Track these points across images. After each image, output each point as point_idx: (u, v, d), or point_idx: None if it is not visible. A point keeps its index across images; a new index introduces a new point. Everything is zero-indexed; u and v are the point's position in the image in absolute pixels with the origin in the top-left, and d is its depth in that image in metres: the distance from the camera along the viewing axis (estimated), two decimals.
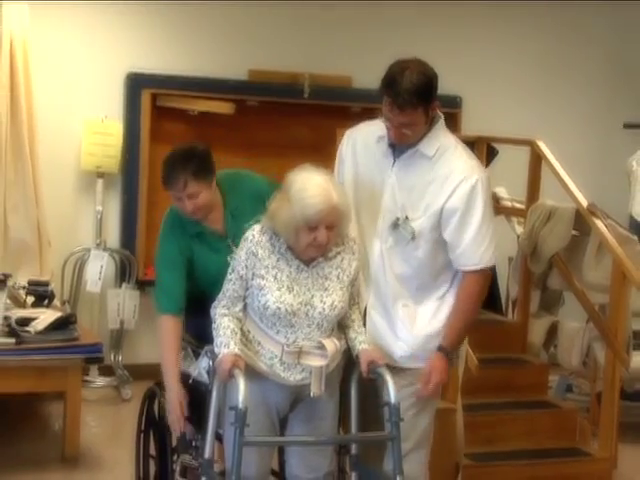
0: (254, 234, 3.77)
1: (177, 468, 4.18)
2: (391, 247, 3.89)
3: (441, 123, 3.90)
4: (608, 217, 6.15)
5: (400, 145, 3.86)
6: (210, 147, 4.24)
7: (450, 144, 3.92)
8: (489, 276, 3.99)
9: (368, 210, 3.96)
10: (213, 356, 3.83)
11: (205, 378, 3.96)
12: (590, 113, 8.15)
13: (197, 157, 4.10)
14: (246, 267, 3.75)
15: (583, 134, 8.07)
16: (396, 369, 3.89)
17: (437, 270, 3.93)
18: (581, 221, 6.24)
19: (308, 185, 3.64)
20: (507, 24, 7.91)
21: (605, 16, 8.02)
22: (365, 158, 4.00)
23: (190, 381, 4.09)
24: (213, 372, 3.87)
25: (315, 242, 3.64)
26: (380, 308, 3.94)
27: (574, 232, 6.41)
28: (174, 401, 4.06)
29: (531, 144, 6.42)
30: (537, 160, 6.42)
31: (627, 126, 7.61)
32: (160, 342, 4.17)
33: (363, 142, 4.03)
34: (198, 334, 4.16)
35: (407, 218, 3.84)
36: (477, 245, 3.85)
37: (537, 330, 6.62)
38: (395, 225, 3.87)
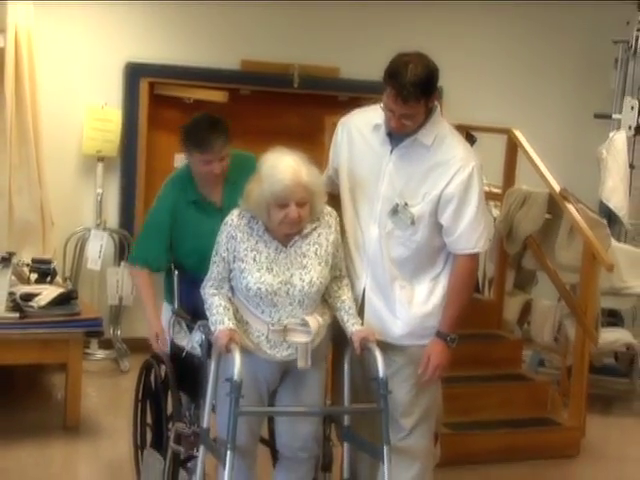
0: (233, 218, 3.75)
1: (171, 435, 4.18)
2: (390, 232, 3.83)
3: (437, 112, 3.84)
4: (579, 201, 6.16)
5: (398, 134, 3.80)
6: None
7: (446, 132, 3.87)
8: (479, 259, 3.98)
9: (365, 196, 3.89)
10: (206, 330, 3.83)
11: (198, 351, 3.95)
12: (563, 104, 8.15)
13: (224, 124, 4.20)
14: (227, 250, 3.72)
15: (557, 124, 8.06)
16: (393, 348, 3.87)
17: (433, 253, 3.88)
18: (554, 205, 6.25)
19: (277, 163, 3.62)
20: (487, 22, 7.90)
21: (577, 16, 8.00)
22: (361, 145, 3.93)
23: (183, 354, 4.09)
24: (206, 346, 3.87)
25: (286, 219, 3.61)
26: (378, 290, 3.89)
27: (547, 215, 6.42)
28: (153, 332, 4.23)
29: (508, 132, 6.42)
30: (513, 148, 6.42)
31: (597, 116, 7.61)
32: (138, 290, 4.42)
33: (358, 130, 3.96)
34: (192, 310, 4.14)
35: (406, 204, 3.79)
36: (473, 230, 3.81)
37: (512, 307, 6.64)
38: (395, 211, 3.81)
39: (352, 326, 3.78)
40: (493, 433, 5.55)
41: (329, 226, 3.79)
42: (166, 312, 4.42)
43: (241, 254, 3.69)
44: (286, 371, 3.81)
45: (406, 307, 3.86)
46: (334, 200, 3.94)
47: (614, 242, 6.56)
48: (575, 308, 5.93)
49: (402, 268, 3.87)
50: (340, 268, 3.85)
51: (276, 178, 3.57)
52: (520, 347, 6.38)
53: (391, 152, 3.84)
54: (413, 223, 3.80)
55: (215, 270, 3.77)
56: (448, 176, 3.77)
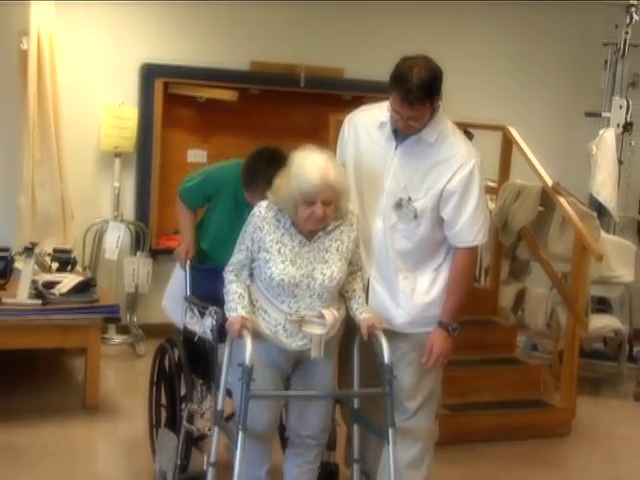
0: (261, 210, 3.70)
1: (184, 415, 4.19)
2: (394, 225, 3.81)
3: (441, 111, 3.80)
4: (570, 195, 6.15)
5: (404, 133, 3.77)
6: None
7: (449, 131, 3.83)
8: (478, 251, 3.96)
9: (371, 190, 3.86)
10: (217, 316, 3.83)
11: (209, 335, 3.94)
12: (555, 103, 8.13)
13: (276, 167, 3.81)
14: (252, 240, 3.68)
15: (549, 121, 8.04)
16: (398, 335, 3.84)
17: (435, 245, 3.86)
18: (547, 198, 6.24)
19: (307, 163, 3.56)
20: (485, 25, 7.87)
21: (569, 20, 7.98)
22: (367, 142, 3.89)
23: (195, 338, 4.09)
24: (216, 330, 3.86)
25: (312, 216, 3.56)
26: (382, 280, 3.86)
27: (540, 208, 6.41)
28: (184, 248, 4.48)
29: (503, 130, 6.41)
30: (508, 144, 6.40)
31: (588, 115, 7.58)
32: (179, 219, 4.62)
33: (364, 127, 3.92)
34: (204, 296, 4.16)
35: (410, 199, 3.76)
36: (472, 224, 3.78)
37: (507, 295, 6.63)
38: (399, 205, 3.78)
39: (360, 314, 3.76)
40: (488, 414, 5.54)
41: (351, 224, 3.74)
42: (179, 275, 4.53)
43: (267, 245, 3.65)
44: (299, 360, 3.78)
45: (408, 297, 3.84)
46: None
47: (603, 233, 6.54)
48: (566, 296, 5.92)
49: (406, 260, 3.84)
50: (357, 263, 3.82)
51: (305, 177, 3.52)
52: (514, 332, 6.37)
53: (396, 148, 3.81)
54: (416, 217, 3.77)
55: (238, 257, 3.73)
56: (450, 172, 3.74)
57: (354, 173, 3.91)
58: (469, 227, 3.79)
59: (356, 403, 3.90)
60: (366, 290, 3.89)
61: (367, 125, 3.92)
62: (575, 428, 5.80)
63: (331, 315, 3.66)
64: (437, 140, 3.77)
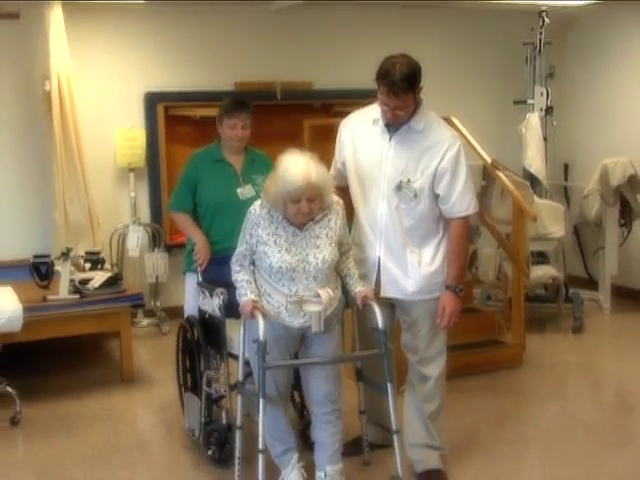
0: (256, 209, 3.63)
1: (204, 381, 4.19)
2: (397, 206, 3.73)
3: (424, 103, 3.77)
4: (507, 169, 6.16)
5: (394, 124, 3.72)
6: None
7: (433, 119, 3.78)
8: (470, 220, 3.89)
9: (371, 179, 3.77)
10: (223, 296, 3.83)
11: (217, 313, 3.93)
12: (489, 94, 8.11)
13: (248, 104, 4.52)
14: (251, 235, 3.61)
15: (485, 110, 8.02)
16: (410, 302, 3.81)
17: (434, 221, 3.79)
18: (487, 174, 6.26)
19: (291, 165, 3.48)
20: (431, 36, 7.81)
21: (495, 25, 7.95)
22: (363, 138, 3.82)
23: (207, 316, 4.09)
24: (224, 309, 3.85)
25: (300, 212, 3.50)
26: (392, 257, 3.79)
27: (483, 182, 6.42)
28: (202, 246, 4.35)
29: (447, 119, 6.35)
30: None
31: (516, 102, 7.58)
32: (182, 226, 4.53)
33: (359, 126, 3.86)
34: (211, 280, 4.16)
35: (409, 181, 3.69)
36: (464, 196, 3.72)
37: None
38: (399, 187, 3.70)
39: (355, 288, 3.71)
40: (455, 354, 5.37)
41: (337, 213, 3.66)
42: (193, 280, 4.42)
43: (264, 238, 3.57)
44: (304, 336, 3.70)
45: (416, 268, 3.77)
46: (344, 191, 3.85)
47: (536, 198, 6.56)
48: (510, 252, 5.94)
49: (412, 235, 3.77)
50: (347, 243, 3.74)
51: (289, 180, 3.44)
52: (471, 286, 6.37)
53: (390, 139, 3.75)
54: (416, 196, 3.70)
55: (240, 249, 3.67)
56: (441, 154, 3.68)
57: (354, 169, 3.84)
58: (462, 199, 3.73)
59: (359, 364, 3.86)
60: (377, 268, 3.81)
61: (362, 124, 3.85)
62: (526, 360, 5.84)
63: (326, 294, 3.58)
64: (425, 127, 3.72)
